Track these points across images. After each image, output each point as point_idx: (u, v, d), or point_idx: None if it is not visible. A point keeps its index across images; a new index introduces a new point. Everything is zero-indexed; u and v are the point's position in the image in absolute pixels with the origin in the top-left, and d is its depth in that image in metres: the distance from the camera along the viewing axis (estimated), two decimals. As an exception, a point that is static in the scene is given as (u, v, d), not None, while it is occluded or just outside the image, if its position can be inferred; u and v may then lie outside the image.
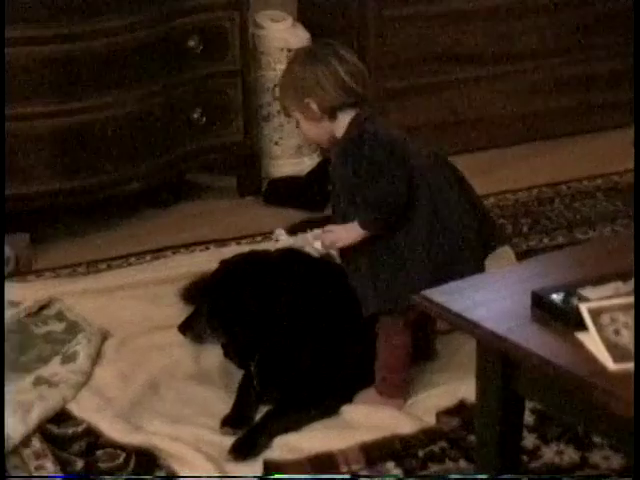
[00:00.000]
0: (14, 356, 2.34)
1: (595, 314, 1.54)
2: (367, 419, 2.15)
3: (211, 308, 2.20)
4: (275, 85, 3.21)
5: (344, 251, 2.15)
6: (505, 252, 2.70)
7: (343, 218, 2.12)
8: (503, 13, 3.31)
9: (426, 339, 2.29)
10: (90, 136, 2.82)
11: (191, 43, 2.93)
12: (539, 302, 1.64)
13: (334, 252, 2.27)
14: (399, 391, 2.18)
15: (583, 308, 1.55)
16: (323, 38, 3.27)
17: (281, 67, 3.22)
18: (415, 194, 2.07)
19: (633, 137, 3.11)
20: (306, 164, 3.26)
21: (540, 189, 3.13)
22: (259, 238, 2.88)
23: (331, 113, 2.14)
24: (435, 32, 3.27)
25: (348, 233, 2.10)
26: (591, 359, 1.51)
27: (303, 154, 3.28)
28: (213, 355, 2.31)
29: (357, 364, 2.19)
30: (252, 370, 2.18)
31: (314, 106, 2.14)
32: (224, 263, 2.28)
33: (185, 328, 2.25)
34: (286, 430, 2.10)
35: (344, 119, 2.14)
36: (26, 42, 2.68)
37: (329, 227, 2.15)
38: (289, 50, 3.21)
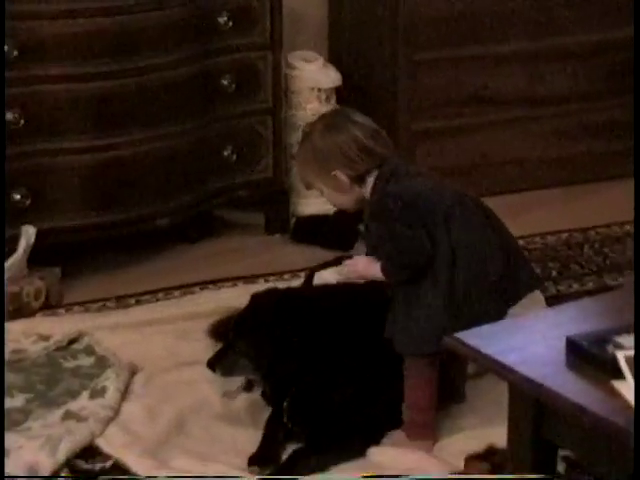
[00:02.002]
0: (43, 390, 2.34)
1: (632, 362, 1.53)
2: (394, 462, 2.13)
3: (250, 343, 2.19)
4: (306, 123, 3.23)
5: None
6: (536, 296, 2.70)
7: None
8: (534, 57, 3.32)
9: (455, 382, 2.28)
10: (122, 172, 2.84)
11: (224, 82, 2.96)
12: (574, 349, 1.63)
13: None
14: (427, 432, 2.17)
15: (620, 356, 1.54)
16: (354, 80, 3.34)
17: (312, 107, 3.26)
18: (436, 244, 2.09)
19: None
20: (333, 203, 3.27)
21: (570, 234, 3.12)
22: (287, 276, 2.89)
23: (360, 179, 2.16)
24: (465, 75, 3.29)
25: (366, 267, 2.15)
26: (627, 408, 1.50)
27: (331, 193, 3.29)
28: (240, 394, 2.31)
29: (388, 405, 2.18)
30: (284, 406, 2.17)
31: (343, 177, 2.15)
32: (255, 297, 2.28)
33: (214, 363, 2.24)
34: (313, 470, 2.09)
35: (371, 181, 2.16)
36: (63, 79, 2.71)
37: (354, 258, 2.21)
38: (319, 90, 3.23)
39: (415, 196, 2.11)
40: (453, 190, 2.20)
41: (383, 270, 2.12)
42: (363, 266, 2.16)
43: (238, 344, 2.22)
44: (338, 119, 2.21)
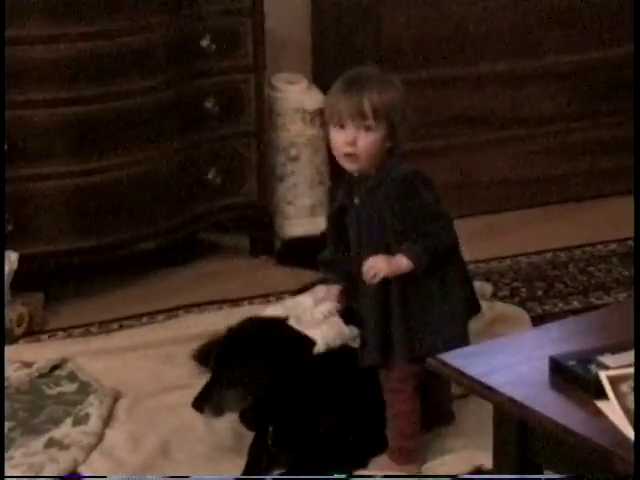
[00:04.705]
0: (26, 418, 2.32)
1: (615, 382, 1.52)
2: (380, 484, 2.12)
3: (236, 374, 2.14)
4: (290, 145, 3.23)
5: (366, 303, 2.09)
6: (520, 316, 2.69)
7: (377, 253, 2.04)
8: (516, 78, 3.34)
9: (442, 403, 2.26)
10: (106, 196, 2.83)
11: (208, 105, 2.96)
12: (558, 368, 1.62)
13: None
14: (414, 457, 2.15)
15: (603, 376, 1.53)
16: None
17: (296, 128, 3.26)
18: None
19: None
20: (319, 224, 3.26)
21: (554, 253, 3.12)
22: (272, 298, 2.88)
23: (395, 143, 2.05)
24: (449, 96, 3.30)
25: (388, 262, 2.01)
26: (611, 428, 1.49)
27: (317, 214, 3.29)
28: (224, 417, 2.29)
29: (372, 428, 2.17)
30: (269, 431, 2.16)
31: (401, 129, 2.04)
32: (231, 330, 2.22)
33: (202, 403, 2.14)
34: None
35: (384, 154, 2.05)
36: (45, 104, 2.70)
37: (369, 260, 2.04)
38: (304, 111, 3.24)
39: None
40: None
41: (414, 256, 1.98)
42: (383, 263, 2.00)
43: (227, 377, 2.13)
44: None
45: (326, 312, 2.15)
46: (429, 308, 2.07)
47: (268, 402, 2.14)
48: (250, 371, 2.12)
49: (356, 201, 2.08)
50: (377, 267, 2.02)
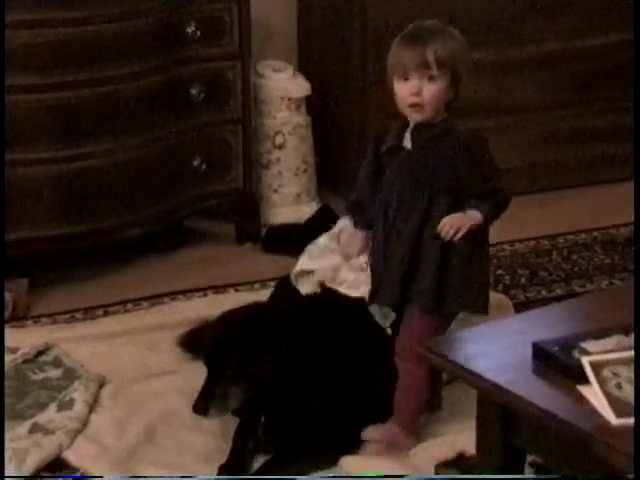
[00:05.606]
0: (10, 403, 2.32)
1: (597, 368, 1.54)
2: (365, 469, 2.13)
3: (235, 369, 2.10)
4: (276, 133, 3.23)
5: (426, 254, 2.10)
6: (503, 303, 2.71)
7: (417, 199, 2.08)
8: (503, 66, 3.35)
9: (434, 390, 2.27)
10: (90, 182, 2.83)
11: (193, 92, 2.95)
12: (540, 354, 1.64)
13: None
14: (413, 434, 2.17)
15: (585, 362, 1.55)
16: (324, 89, 3.34)
17: (281, 116, 3.27)
18: None
19: (630, 190, 3.14)
20: (305, 212, 3.27)
21: (538, 241, 3.14)
22: (257, 285, 2.88)
23: (456, 93, 2.09)
24: (434, 84, 3.30)
25: (463, 218, 2.08)
26: (593, 413, 1.51)
27: (302, 202, 3.29)
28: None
29: (360, 417, 2.18)
30: (261, 421, 2.15)
31: (464, 78, 2.07)
32: (216, 328, 2.21)
33: (206, 405, 2.09)
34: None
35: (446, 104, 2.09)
36: (29, 89, 2.69)
37: (446, 218, 2.08)
38: (289, 99, 3.24)
39: None
40: None
41: (485, 212, 2.09)
42: (465, 219, 2.08)
43: (227, 373, 2.10)
44: None
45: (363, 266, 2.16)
46: (462, 269, 2.09)
47: (267, 391, 2.12)
48: (252, 362, 2.10)
49: (407, 144, 2.11)
50: (459, 223, 2.07)
